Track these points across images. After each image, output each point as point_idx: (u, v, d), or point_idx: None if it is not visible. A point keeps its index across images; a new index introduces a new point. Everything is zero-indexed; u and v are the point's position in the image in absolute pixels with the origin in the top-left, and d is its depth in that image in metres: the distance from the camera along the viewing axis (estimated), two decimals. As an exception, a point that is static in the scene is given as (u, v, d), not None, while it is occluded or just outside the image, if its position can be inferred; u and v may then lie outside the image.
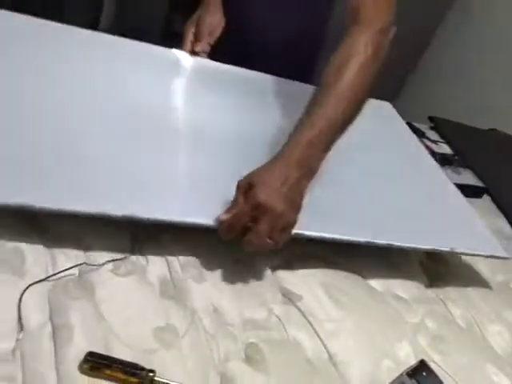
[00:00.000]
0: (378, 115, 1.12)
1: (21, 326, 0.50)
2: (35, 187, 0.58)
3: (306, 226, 0.67)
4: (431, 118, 1.45)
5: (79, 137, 0.69)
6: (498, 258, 0.82)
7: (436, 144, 1.34)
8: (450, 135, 1.39)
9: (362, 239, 0.72)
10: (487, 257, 0.82)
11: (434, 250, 0.78)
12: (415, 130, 1.33)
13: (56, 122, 0.70)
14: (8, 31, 0.83)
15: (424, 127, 1.40)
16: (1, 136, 0.63)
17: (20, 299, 0.52)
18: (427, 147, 1.27)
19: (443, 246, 0.78)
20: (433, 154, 1.23)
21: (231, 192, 0.63)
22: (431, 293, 0.81)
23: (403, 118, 1.33)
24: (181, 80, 0.98)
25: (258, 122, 0.90)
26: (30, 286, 0.53)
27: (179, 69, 0.99)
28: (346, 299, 0.70)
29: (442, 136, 1.39)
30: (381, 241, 0.73)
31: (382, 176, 0.91)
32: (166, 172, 0.70)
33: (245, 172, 0.64)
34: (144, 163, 0.70)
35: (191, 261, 0.66)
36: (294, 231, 0.65)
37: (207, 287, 0.64)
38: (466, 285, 0.84)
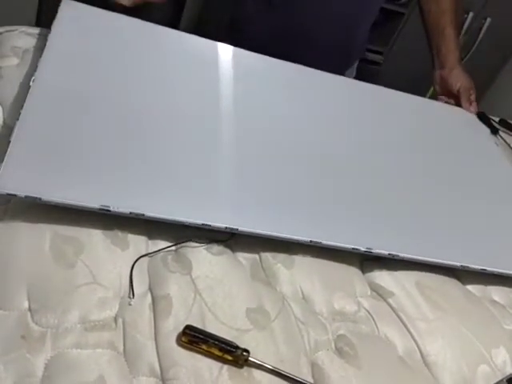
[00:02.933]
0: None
1: (132, 293, 0.52)
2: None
3: (398, 247, 0.67)
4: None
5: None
6: None
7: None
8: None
9: (456, 263, 0.71)
10: None
11: None
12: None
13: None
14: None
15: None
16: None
17: (131, 269, 0.54)
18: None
19: None
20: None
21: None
22: (529, 299, 0.76)
23: (500, 113, 1.25)
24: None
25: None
26: (140, 257, 0.55)
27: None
28: (441, 299, 0.67)
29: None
30: (474, 265, 0.71)
31: (469, 194, 0.86)
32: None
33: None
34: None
35: (280, 246, 0.65)
36: (387, 252, 0.66)
37: (296, 274, 0.63)
38: None
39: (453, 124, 1.05)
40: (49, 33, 0.76)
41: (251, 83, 0.88)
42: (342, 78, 1.04)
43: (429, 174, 0.86)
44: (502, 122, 1.27)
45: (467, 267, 0.71)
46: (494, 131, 1.20)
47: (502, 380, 0.57)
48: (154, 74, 0.79)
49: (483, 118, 1.18)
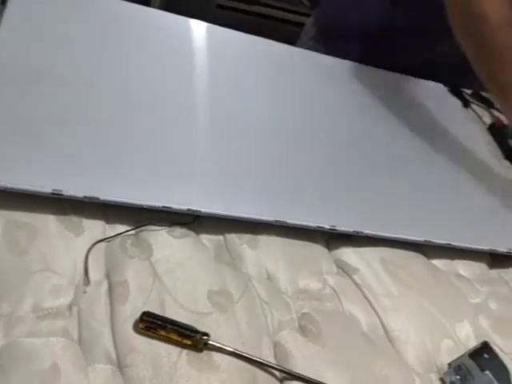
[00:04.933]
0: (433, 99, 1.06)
1: (87, 280, 0.51)
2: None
3: (363, 225, 0.66)
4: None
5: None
6: None
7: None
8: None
9: (420, 238, 0.70)
10: None
11: (491, 250, 0.75)
12: (485, 101, 1.25)
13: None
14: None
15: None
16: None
17: (87, 255, 0.52)
18: (497, 118, 1.19)
19: (500, 247, 0.75)
20: (503, 126, 1.15)
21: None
22: (495, 273, 0.77)
23: (473, 85, 1.24)
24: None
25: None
26: (96, 243, 0.53)
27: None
28: (406, 275, 0.67)
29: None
30: (439, 240, 0.71)
31: (436, 170, 0.86)
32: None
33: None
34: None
35: (245, 226, 0.65)
36: (352, 229, 0.66)
37: (261, 253, 0.63)
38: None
39: (422, 97, 1.04)
40: (3, 9, 0.72)
41: (218, 60, 0.86)
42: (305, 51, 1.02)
43: (394, 149, 0.85)
44: (475, 95, 1.27)
45: (432, 242, 0.71)
46: (466, 104, 1.20)
47: (464, 354, 0.58)
48: (118, 50, 0.76)
49: (455, 91, 1.17)
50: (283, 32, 1.40)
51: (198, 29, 0.91)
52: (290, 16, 1.83)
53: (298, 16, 1.83)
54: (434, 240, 0.71)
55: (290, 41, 1.19)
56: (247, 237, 0.64)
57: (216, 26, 0.93)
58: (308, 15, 1.82)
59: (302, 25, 1.27)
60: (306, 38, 1.18)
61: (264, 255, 0.63)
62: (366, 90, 0.98)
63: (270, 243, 0.64)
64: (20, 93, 0.62)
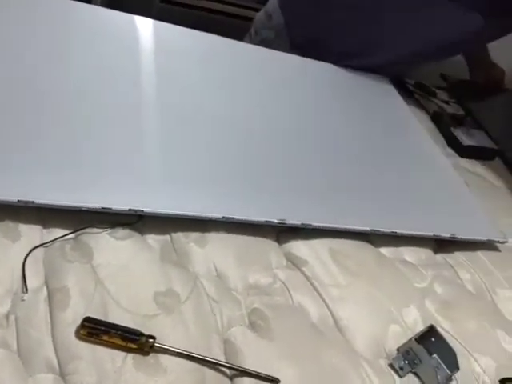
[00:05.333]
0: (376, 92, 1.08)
1: (25, 287, 0.49)
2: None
3: (311, 217, 0.67)
4: (443, 76, 1.39)
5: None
6: (497, 242, 0.82)
7: (448, 104, 1.29)
8: (461, 94, 1.34)
9: (366, 227, 0.71)
10: (486, 241, 0.81)
11: (435, 236, 0.77)
12: (427, 91, 1.28)
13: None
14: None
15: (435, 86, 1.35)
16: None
17: (24, 262, 0.50)
18: (439, 107, 1.23)
19: (444, 233, 0.77)
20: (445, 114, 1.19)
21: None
22: (440, 257, 0.79)
23: (415, 76, 1.27)
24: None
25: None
26: (33, 249, 0.51)
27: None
28: (353, 265, 0.68)
29: (453, 95, 1.34)
30: (384, 229, 0.72)
31: (382, 160, 0.88)
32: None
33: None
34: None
35: (192, 225, 0.64)
36: (300, 222, 0.66)
37: (209, 251, 0.62)
38: (476, 249, 0.81)
39: (366, 88, 1.06)
40: None
41: (165, 55, 0.85)
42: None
43: (337, 140, 0.86)
44: (417, 85, 1.30)
45: (377, 231, 0.72)
46: (409, 94, 1.23)
47: (411, 339, 0.59)
48: (62, 50, 0.74)
49: (397, 81, 1.20)
50: (231, 27, 1.40)
51: (143, 25, 0.89)
52: (236, 10, 1.82)
53: (245, 10, 1.82)
54: (379, 229, 0.72)
55: (239, 35, 1.19)
56: (195, 235, 0.63)
57: (161, 22, 0.92)
58: (256, 9, 1.82)
59: (249, 19, 1.26)
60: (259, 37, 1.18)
61: (213, 253, 0.62)
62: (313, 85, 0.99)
63: (219, 240, 0.64)
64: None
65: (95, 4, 1.31)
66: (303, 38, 1.09)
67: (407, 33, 1.01)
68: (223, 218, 0.63)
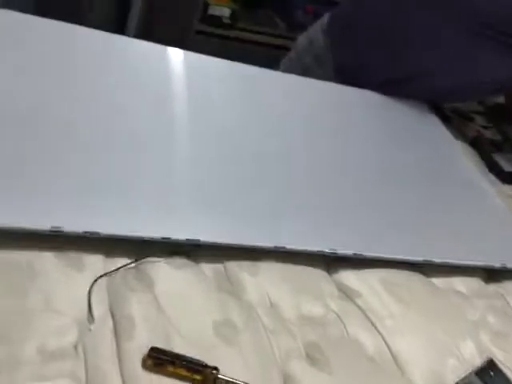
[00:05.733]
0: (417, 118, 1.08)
1: (92, 317, 0.49)
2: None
3: (362, 246, 0.67)
4: (479, 101, 1.39)
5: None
6: None
7: (486, 129, 1.28)
8: (498, 118, 1.32)
9: (419, 258, 0.71)
10: None
11: (486, 266, 0.76)
12: (464, 116, 1.28)
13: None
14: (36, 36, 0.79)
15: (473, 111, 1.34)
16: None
17: (89, 292, 0.51)
18: (477, 132, 1.22)
19: (494, 262, 0.76)
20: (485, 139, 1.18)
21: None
22: (491, 287, 0.77)
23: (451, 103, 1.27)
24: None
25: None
26: (98, 279, 0.52)
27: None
28: (406, 295, 0.67)
29: (491, 120, 1.33)
30: (437, 259, 0.72)
31: (428, 189, 0.87)
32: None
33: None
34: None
35: (244, 253, 0.64)
36: (352, 252, 0.66)
37: (262, 280, 0.62)
38: (528, 279, 0.80)
39: (408, 115, 1.07)
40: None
41: (200, 85, 0.86)
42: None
43: (384, 170, 0.86)
44: (454, 110, 1.30)
45: (430, 261, 0.72)
46: (447, 119, 1.23)
47: (470, 373, 0.58)
48: (98, 82, 0.76)
49: (434, 107, 1.19)
50: (263, 55, 1.42)
51: (178, 56, 0.91)
52: (267, 39, 1.85)
53: (275, 38, 1.85)
54: (432, 259, 0.71)
55: (270, 64, 1.21)
56: (247, 264, 0.63)
57: (195, 54, 0.93)
58: (285, 37, 1.86)
59: (280, 47, 1.29)
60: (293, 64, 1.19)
61: (265, 282, 0.62)
62: (346, 110, 1.00)
63: (271, 269, 0.64)
64: (9, 133, 0.61)
65: (129, 35, 1.33)
66: (347, 63, 1.10)
67: (461, 64, 1.01)
68: (275, 247, 0.63)
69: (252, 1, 1.90)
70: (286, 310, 0.60)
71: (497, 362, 0.60)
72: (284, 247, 0.64)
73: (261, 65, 1.01)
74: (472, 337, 0.66)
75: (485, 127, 1.29)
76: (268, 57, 1.29)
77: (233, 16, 1.81)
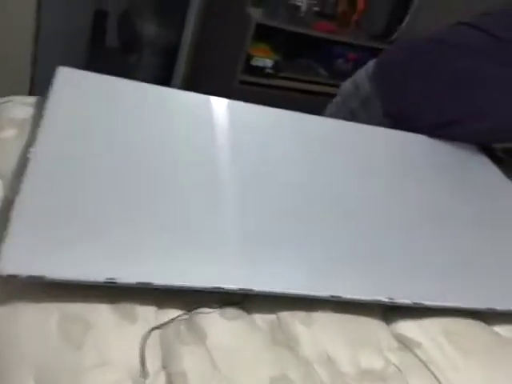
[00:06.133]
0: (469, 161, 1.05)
1: (145, 372, 0.49)
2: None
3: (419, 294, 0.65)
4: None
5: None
6: None
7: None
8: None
9: (482, 306, 0.68)
10: None
11: None
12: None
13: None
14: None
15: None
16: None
17: (143, 346, 0.50)
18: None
19: None
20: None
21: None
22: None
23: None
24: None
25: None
26: (151, 331, 0.52)
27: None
28: (470, 345, 0.63)
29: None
30: (501, 307, 0.68)
31: (487, 233, 0.84)
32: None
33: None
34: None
35: (298, 303, 0.62)
36: (411, 301, 0.64)
37: (317, 331, 0.60)
38: None
39: (459, 158, 1.04)
40: (45, 101, 0.75)
41: (244, 134, 0.87)
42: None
43: (439, 215, 0.83)
44: (505, 150, 1.25)
45: (493, 309, 0.68)
46: (499, 161, 1.18)
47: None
48: (154, 135, 0.78)
49: (484, 148, 1.16)
50: (304, 102, 1.44)
51: (222, 105, 0.92)
52: (309, 86, 1.88)
53: (317, 86, 1.88)
54: (495, 307, 0.67)
55: (313, 111, 1.22)
56: (301, 314, 0.61)
57: (238, 102, 0.95)
58: (326, 84, 1.88)
59: (321, 94, 1.30)
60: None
61: (320, 334, 0.60)
62: (394, 154, 0.99)
63: (325, 320, 0.62)
64: (61, 184, 0.63)
65: (174, 86, 1.37)
66: (395, 108, 1.10)
67: (504, 106, 1.00)
68: (331, 297, 0.61)
69: (293, 52, 1.94)
70: (343, 364, 0.57)
71: None
72: (340, 296, 0.61)
73: (303, 111, 1.02)
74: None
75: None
76: (311, 104, 1.31)
77: (275, 66, 1.85)
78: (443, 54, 1.06)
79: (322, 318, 0.62)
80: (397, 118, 1.10)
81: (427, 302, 0.64)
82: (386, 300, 0.62)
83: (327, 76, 1.93)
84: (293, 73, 1.89)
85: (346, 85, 1.25)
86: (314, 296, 0.60)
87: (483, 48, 1.02)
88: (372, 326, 0.63)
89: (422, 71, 1.10)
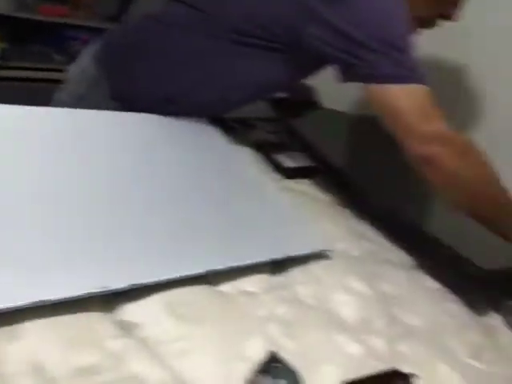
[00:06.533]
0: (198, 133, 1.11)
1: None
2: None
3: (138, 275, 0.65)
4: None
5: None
6: (326, 251, 0.87)
7: (269, 134, 1.36)
8: (286, 112, 1.41)
9: (200, 270, 0.71)
10: (318, 253, 0.86)
11: (270, 259, 0.80)
12: (248, 124, 1.34)
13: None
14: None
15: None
16: None
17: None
18: (260, 138, 1.29)
19: (277, 255, 0.80)
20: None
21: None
22: (277, 279, 0.80)
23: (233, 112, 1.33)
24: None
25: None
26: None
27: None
28: (194, 313, 0.67)
29: (278, 114, 1.41)
30: (220, 266, 0.73)
31: (216, 198, 0.89)
32: None
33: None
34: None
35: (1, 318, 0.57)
36: (127, 284, 0.63)
37: (24, 346, 0.56)
38: (309, 262, 0.84)
39: (189, 131, 1.08)
40: None
41: None
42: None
43: (164, 187, 0.86)
44: (237, 120, 1.35)
45: (213, 270, 0.72)
46: (232, 129, 1.27)
47: (254, 372, 0.59)
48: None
49: (218, 119, 1.23)
50: (43, 92, 1.33)
51: None
52: (44, 74, 1.75)
53: (53, 73, 1.76)
54: (214, 268, 0.72)
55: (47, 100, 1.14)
56: (4, 330, 0.56)
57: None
58: (60, 70, 1.77)
59: (60, 81, 1.22)
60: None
61: (28, 346, 0.56)
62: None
63: (35, 329, 0.57)
64: None
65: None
66: (122, 89, 1.09)
67: (223, 73, 1.06)
68: (32, 303, 0.57)
69: (21, 37, 1.77)
70: (54, 369, 0.54)
71: (283, 351, 0.62)
72: (49, 299, 0.58)
73: (38, 103, 0.95)
74: (261, 333, 0.67)
75: (268, 132, 1.37)
76: (49, 93, 1.21)
77: (2, 55, 1.67)
78: (157, 33, 1.08)
79: (34, 327, 0.58)
80: (123, 100, 1.09)
81: (144, 281, 0.65)
82: (99, 290, 0.61)
83: (63, 61, 1.82)
84: (24, 61, 1.73)
85: (73, 69, 1.20)
86: (18, 306, 0.56)
87: (191, 23, 1.06)
88: (91, 320, 0.62)
89: (139, 51, 1.10)
